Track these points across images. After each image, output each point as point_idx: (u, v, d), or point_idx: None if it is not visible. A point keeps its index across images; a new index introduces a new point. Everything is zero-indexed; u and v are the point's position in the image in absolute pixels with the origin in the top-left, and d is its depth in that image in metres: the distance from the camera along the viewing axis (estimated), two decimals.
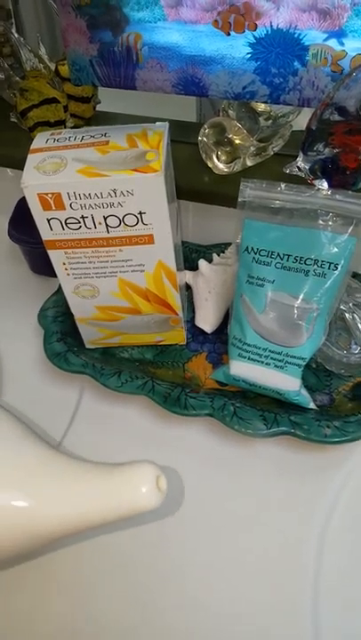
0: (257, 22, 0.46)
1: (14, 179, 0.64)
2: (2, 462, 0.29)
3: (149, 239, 0.38)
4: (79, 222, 0.37)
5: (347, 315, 0.42)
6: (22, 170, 0.60)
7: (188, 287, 0.51)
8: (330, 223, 0.38)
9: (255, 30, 0.46)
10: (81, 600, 0.35)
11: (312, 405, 0.40)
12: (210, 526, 0.38)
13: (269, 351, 0.39)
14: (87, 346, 0.48)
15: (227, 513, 0.38)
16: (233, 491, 0.39)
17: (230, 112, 0.51)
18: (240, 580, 0.35)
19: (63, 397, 0.46)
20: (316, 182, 0.46)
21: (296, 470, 0.40)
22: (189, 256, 0.54)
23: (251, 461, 0.40)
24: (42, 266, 0.57)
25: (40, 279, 0.57)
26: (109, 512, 0.28)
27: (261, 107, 0.51)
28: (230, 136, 0.49)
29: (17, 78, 0.54)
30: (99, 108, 0.62)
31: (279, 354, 0.39)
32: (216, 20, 0.47)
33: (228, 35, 0.47)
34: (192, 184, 0.53)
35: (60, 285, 0.52)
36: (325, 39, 0.45)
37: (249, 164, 0.52)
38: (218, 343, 0.48)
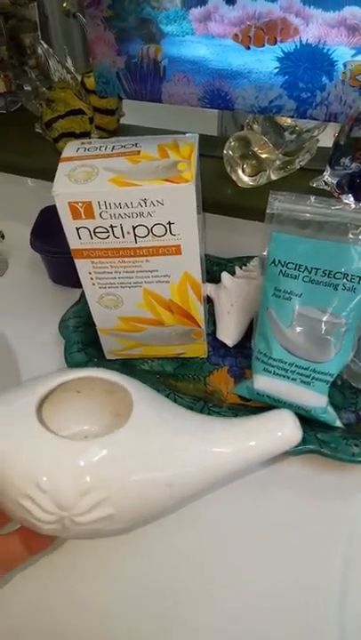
0: (280, 38, 0.46)
1: (34, 189, 0.65)
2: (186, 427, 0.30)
3: (177, 250, 0.37)
4: (108, 232, 0.36)
5: None
6: (43, 180, 0.61)
7: (208, 300, 0.51)
8: (360, 237, 0.37)
9: (275, 45, 0.46)
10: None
11: (338, 423, 0.39)
12: (232, 546, 0.37)
13: (296, 366, 0.38)
14: (107, 357, 0.47)
15: (250, 533, 0.37)
16: (257, 510, 0.38)
17: (255, 127, 0.51)
18: (260, 602, 0.34)
19: None
20: (343, 197, 0.46)
21: (322, 490, 0.39)
22: (210, 269, 0.53)
23: (275, 480, 0.39)
24: (62, 276, 0.57)
25: (60, 289, 0.57)
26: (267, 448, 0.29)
27: (287, 121, 0.51)
28: (256, 149, 0.49)
29: (44, 89, 0.55)
30: (121, 121, 0.62)
31: (306, 369, 0.38)
32: (236, 34, 0.48)
33: (248, 48, 0.48)
34: (214, 197, 0.53)
35: (80, 296, 0.52)
36: (354, 55, 0.45)
37: (273, 177, 0.51)
38: (240, 357, 0.47)
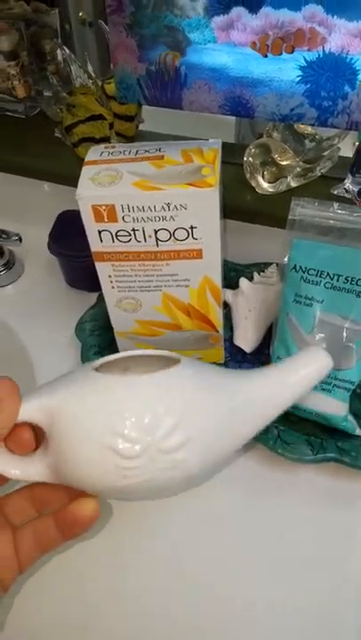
0: (303, 47, 0.46)
1: (51, 193, 0.65)
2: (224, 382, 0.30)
3: (198, 254, 0.37)
4: (129, 235, 0.36)
5: None
6: (61, 184, 0.61)
7: (225, 305, 0.51)
8: None
9: (292, 53, 0.47)
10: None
11: (358, 432, 0.39)
12: (248, 552, 0.36)
13: None
14: None
15: (267, 542, 0.37)
16: (274, 519, 0.38)
17: (275, 134, 0.51)
18: (280, 614, 0.33)
19: None
20: None
21: (341, 498, 0.38)
22: (228, 274, 0.53)
23: (294, 489, 0.39)
24: (79, 280, 0.57)
25: (76, 293, 0.57)
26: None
27: (307, 129, 0.51)
28: (276, 157, 0.49)
29: (64, 94, 0.55)
30: (140, 127, 0.63)
31: (327, 376, 0.38)
32: (254, 42, 0.48)
33: (266, 57, 0.48)
34: (234, 203, 0.52)
35: (97, 299, 0.52)
36: None
37: (293, 184, 0.51)
38: (257, 363, 0.47)
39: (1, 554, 0.29)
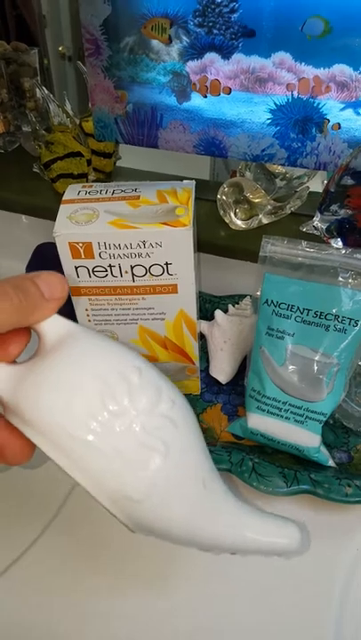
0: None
1: (29, 226, 0.66)
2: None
3: (173, 289, 0.38)
4: (106, 271, 0.37)
5: None
6: (39, 217, 0.62)
7: (201, 337, 0.51)
8: (350, 280, 0.39)
9: (229, 94, 0.49)
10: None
11: (331, 463, 0.40)
12: (225, 592, 0.36)
13: (289, 405, 0.39)
14: None
15: (242, 577, 0.37)
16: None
17: (247, 173, 0.54)
18: None
19: None
20: (332, 241, 0.48)
21: (315, 530, 0.38)
22: (203, 306, 0.54)
23: None
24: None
25: None
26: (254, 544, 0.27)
27: (278, 168, 0.54)
28: (248, 195, 0.51)
29: (43, 131, 0.56)
30: (117, 163, 0.64)
31: (299, 408, 0.39)
32: (194, 84, 0.50)
33: (205, 97, 0.51)
34: (208, 238, 0.54)
35: None
36: (342, 109, 0.47)
37: (265, 221, 0.53)
38: (233, 394, 0.47)
39: None
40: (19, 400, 0.23)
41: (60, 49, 0.71)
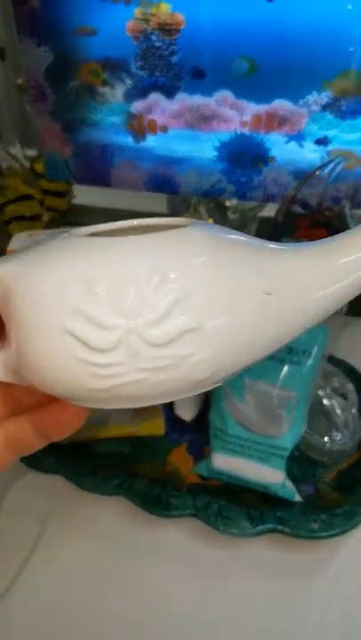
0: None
1: None
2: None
3: None
4: None
5: (325, 400, 0.42)
6: None
7: None
8: None
9: (166, 132, 0.50)
10: None
11: (297, 498, 0.39)
12: (198, 636, 0.35)
13: (251, 442, 0.38)
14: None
15: (214, 622, 0.35)
16: (219, 598, 0.36)
17: (201, 208, 0.54)
18: None
19: (33, 501, 0.43)
20: None
21: (283, 570, 0.38)
22: None
23: (236, 565, 0.38)
24: None
25: None
26: None
27: (231, 201, 0.54)
28: None
29: None
30: (72, 201, 0.64)
31: (261, 444, 0.38)
32: (132, 124, 0.51)
33: (143, 136, 0.51)
34: None
35: None
36: (286, 141, 0.48)
37: None
38: (198, 433, 0.47)
39: None
40: (22, 379, 0.21)
41: (20, 82, 0.71)
